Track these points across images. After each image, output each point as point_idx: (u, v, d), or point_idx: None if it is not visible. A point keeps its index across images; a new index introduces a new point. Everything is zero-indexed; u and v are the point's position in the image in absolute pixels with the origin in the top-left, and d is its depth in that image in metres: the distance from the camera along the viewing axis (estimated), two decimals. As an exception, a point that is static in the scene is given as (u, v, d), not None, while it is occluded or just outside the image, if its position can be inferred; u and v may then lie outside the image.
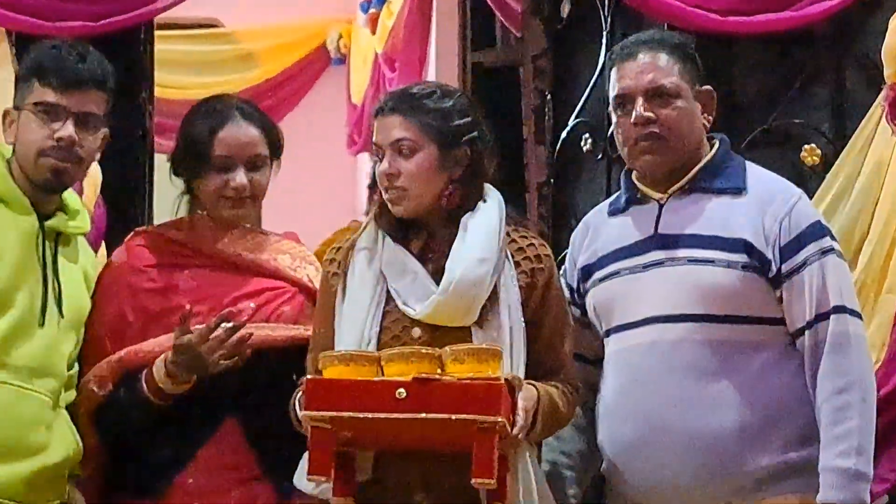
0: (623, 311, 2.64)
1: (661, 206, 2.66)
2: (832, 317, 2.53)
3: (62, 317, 2.62)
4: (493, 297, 2.51)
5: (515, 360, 2.49)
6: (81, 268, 2.72)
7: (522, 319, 2.52)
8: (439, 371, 2.35)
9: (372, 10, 6.61)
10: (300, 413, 2.41)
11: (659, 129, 2.61)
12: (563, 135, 3.86)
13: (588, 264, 2.72)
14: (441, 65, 5.56)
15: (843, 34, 3.27)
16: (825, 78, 3.28)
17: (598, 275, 2.69)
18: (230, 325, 2.58)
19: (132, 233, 2.90)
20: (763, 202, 2.59)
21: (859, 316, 2.58)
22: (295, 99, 6.96)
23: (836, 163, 3.11)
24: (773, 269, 2.56)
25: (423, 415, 2.29)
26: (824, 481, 2.48)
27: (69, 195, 2.73)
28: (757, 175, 2.67)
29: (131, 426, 2.68)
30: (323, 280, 2.64)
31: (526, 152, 4.03)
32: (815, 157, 3.24)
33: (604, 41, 3.71)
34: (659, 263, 2.62)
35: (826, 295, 2.53)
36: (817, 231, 2.58)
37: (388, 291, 2.53)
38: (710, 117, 2.68)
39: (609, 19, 3.70)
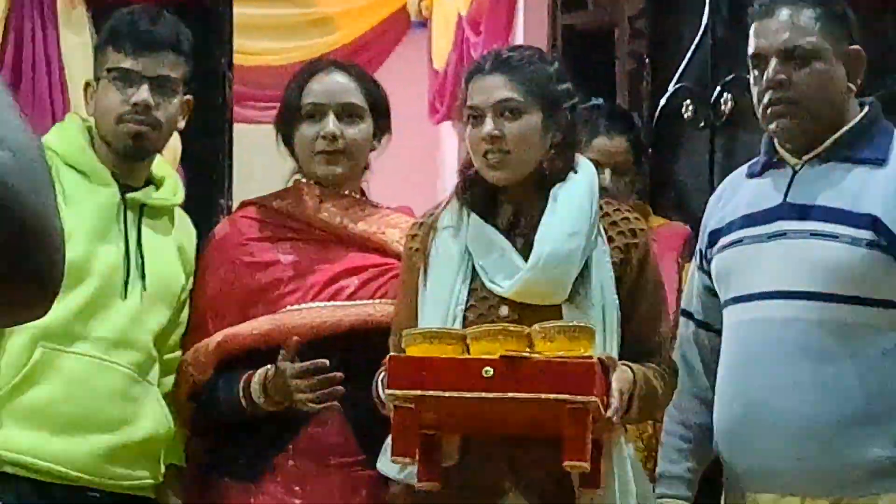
0: (740, 282, 2.63)
1: (794, 173, 2.63)
2: None
3: (146, 290, 2.68)
4: (585, 273, 2.52)
5: (608, 341, 2.49)
6: (175, 241, 2.78)
7: (616, 298, 2.53)
8: (528, 349, 2.35)
9: (456, -30, 6.61)
10: (383, 392, 2.44)
11: (792, 93, 2.57)
12: (662, 102, 3.85)
13: (716, 229, 2.71)
14: (529, 28, 5.56)
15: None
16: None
17: (723, 241, 2.68)
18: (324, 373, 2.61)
19: (239, 204, 2.95)
20: None
21: None
22: (374, 65, 6.96)
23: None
24: None
25: (512, 395, 2.30)
26: None
27: (160, 167, 2.80)
28: None
29: (226, 420, 2.73)
30: (405, 257, 2.66)
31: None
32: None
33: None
34: (782, 234, 2.59)
35: None
36: None
37: (473, 268, 2.55)
38: (859, 80, 2.63)
39: (714, -25, 3.69)
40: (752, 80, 2.66)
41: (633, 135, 3.37)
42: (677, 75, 3.80)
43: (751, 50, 2.64)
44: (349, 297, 2.74)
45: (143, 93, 2.66)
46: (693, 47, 3.75)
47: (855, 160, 2.59)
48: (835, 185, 2.58)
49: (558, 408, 2.29)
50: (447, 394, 2.32)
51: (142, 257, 2.69)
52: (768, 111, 2.60)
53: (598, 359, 2.35)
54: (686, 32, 3.81)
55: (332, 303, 2.73)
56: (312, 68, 2.85)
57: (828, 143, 2.61)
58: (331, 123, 2.75)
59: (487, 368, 2.31)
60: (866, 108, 2.64)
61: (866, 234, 2.52)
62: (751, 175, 2.72)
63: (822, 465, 2.52)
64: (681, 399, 2.67)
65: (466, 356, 2.37)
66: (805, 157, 2.63)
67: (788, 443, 2.53)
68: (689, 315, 2.75)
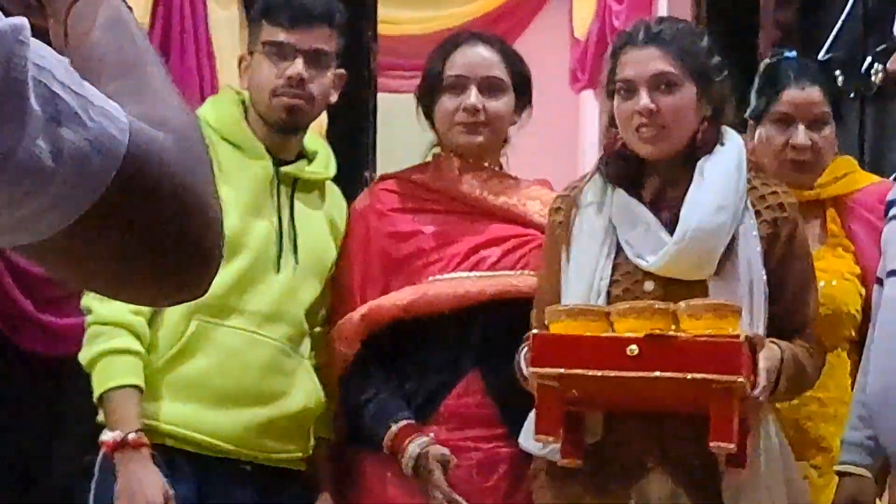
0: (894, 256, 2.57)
1: None
2: None
3: (298, 263, 2.71)
4: (732, 248, 2.49)
5: (755, 317, 2.47)
6: (326, 215, 2.81)
7: (763, 273, 2.50)
8: (674, 327, 2.35)
9: (598, -64, 6.55)
10: (526, 370, 2.44)
11: None
12: (810, 72, 3.76)
13: (892, 199, 2.64)
14: (673, -5, 5.48)
15: None
16: None
17: (892, 212, 2.62)
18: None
19: (378, 177, 2.97)
20: None
21: None
22: (515, 34, 6.93)
23: None
24: None
25: (657, 373, 2.30)
26: None
27: (312, 140, 2.82)
28: None
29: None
30: (548, 231, 2.65)
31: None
32: None
33: (858, -34, 3.60)
34: None
35: None
36: None
37: (618, 243, 2.53)
38: None
39: (865, -60, 3.59)
40: None
41: (828, 84, 3.11)
42: (827, 44, 3.71)
43: None
44: (491, 267, 2.75)
45: (297, 66, 2.67)
46: (844, 15, 3.65)
47: None
48: None
49: (705, 387, 2.29)
50: (592, 372, 2.33)
51: (294, 231, 2.72)
52: None
53: (746, 336, 2.34)
54: (835, 0, 3.72)
55: (474, 273, 2.74)
56: (455, 40, 2.85)
57: None
58: (473, 96, 2.75)
59: (633, 347, 2.31)
60: None
61: None
62: None
63: None
64: (868, 367, 2.61)
65: (611, 334, 2.37)
66: None
67: None
68: (880, 283, 2.68)
